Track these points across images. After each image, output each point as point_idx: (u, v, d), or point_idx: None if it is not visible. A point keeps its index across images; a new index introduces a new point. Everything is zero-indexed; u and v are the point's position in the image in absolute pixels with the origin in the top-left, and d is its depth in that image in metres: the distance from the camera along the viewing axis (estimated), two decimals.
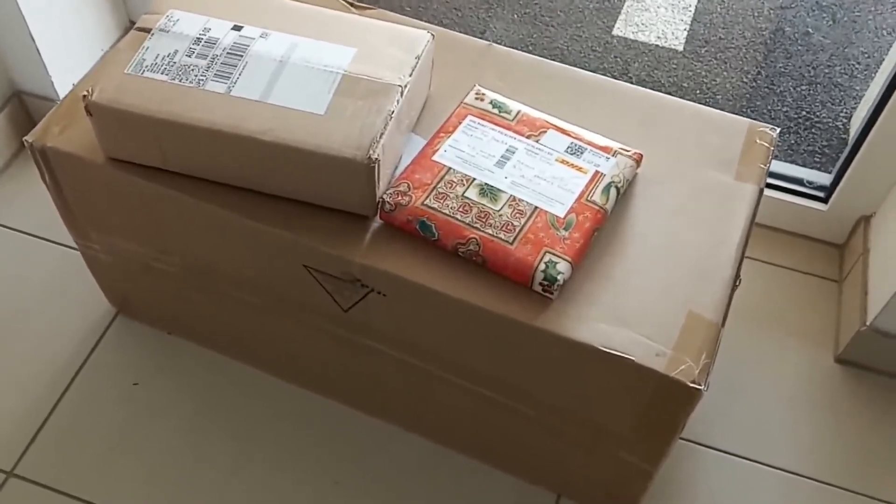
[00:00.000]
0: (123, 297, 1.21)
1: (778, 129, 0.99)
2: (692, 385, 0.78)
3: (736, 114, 1.00)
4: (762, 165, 0.95)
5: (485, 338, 0.88)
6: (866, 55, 1.71)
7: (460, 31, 1.01)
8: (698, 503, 1.10)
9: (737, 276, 0.87)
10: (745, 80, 1.65)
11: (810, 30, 1.75)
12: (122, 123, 0.87)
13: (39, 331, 1.23)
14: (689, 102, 1.02)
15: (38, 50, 1.31)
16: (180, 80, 0.88)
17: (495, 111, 0.95)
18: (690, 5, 1.79)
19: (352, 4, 1.08)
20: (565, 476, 1.04)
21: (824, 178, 1.34)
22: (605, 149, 0.92)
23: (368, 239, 0.88)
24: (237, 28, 0.92)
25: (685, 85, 1.62)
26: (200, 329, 1.18)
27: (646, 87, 1.04)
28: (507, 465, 1.09)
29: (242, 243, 0.94)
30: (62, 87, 1.38)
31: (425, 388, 1.02)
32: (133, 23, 1.52)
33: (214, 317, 1.12)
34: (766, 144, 0.97)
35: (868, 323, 1.16)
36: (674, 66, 1.66)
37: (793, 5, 1.80)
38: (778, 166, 1.37)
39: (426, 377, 0.99)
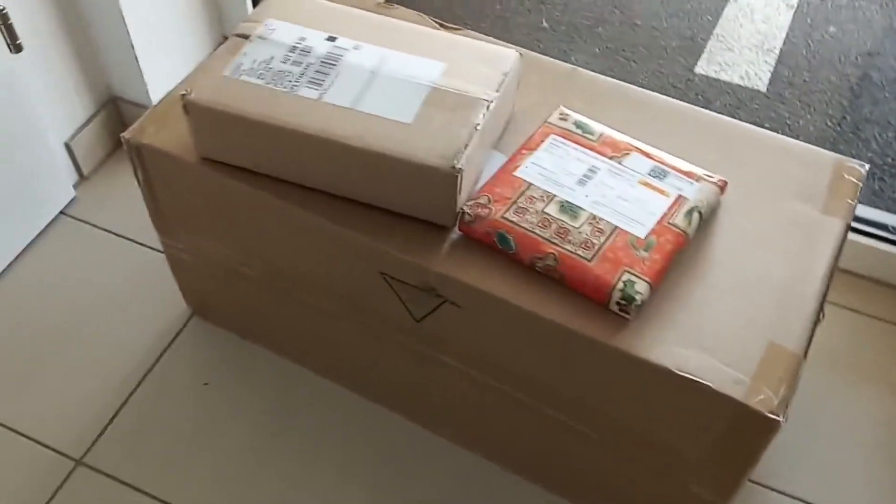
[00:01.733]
0: (201, 299, 1.24)
1: (867, 166, 0.96)
2: (771, 416, 0.76)
3: None
4: (850, 201, 0.93)
5: (557, 354, 0.87)
6: None
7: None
8: None
9: (820, 311, 0.85)
10: (829, 124, 1.62)
11: None
12: (216, 123, 0.90)
13: (117, 327, 1.26)
14: (773, 133, 1.01)
15: (136, 58, 1.37)
16: (275, 85, 0.90)
17: (579, 131, 0.96)
18: (775, 47, 1.77)
19: (441, 25, 1.10)
20: None
21: None
22: (689, 174, 0.91)
23: (446, 249, 0.89)
24: (331, 39, 0.95)
25: (767, 126, 1.60)
26: (273, 335, 1.20)
27: None
28: (566, 490, 1.07)
29: (323, 247, 0.96)
30: (156, 96, 1.44)
31: (489, 404, 1.02)
32: (226, 37, 1.58)
33: (288, 323, 1.14)
34: (855, 180, 0.95)
35: None
36: (756, 106, 1.65)
37: (880, 52, 1.77)
38: (863, 211, 1.34)
39: (491, 392, 0.98)
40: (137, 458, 1.13)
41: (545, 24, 1.81)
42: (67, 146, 1.40)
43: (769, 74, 1.71)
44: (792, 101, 1.66)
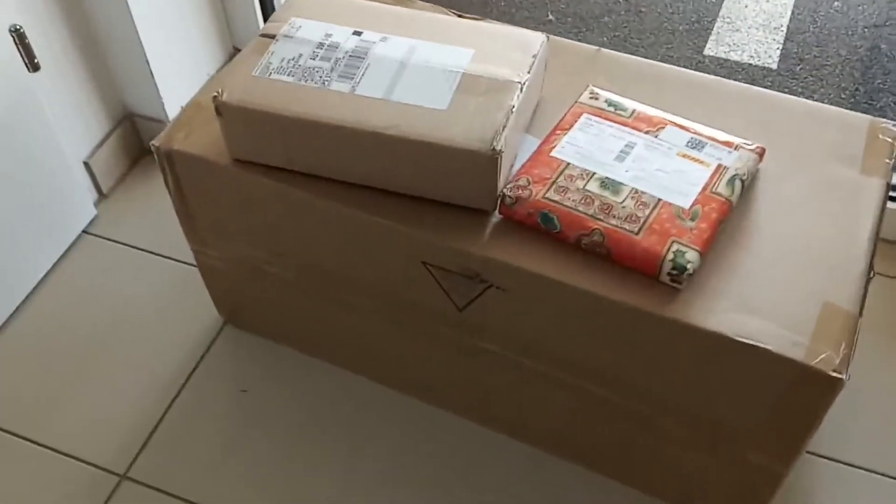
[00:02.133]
0: (234, 307, 1.23)
1: None
2: (834, 374, 0.75)
3: None
4: (888, 160, 0.93)
5: (609, 332, 0.86)
6: None
7: None
8: None
9: (870, 269, 0.85)
10: (843, 96, 1.62)
11: None
12: (250, 123, 0.90)
13: (150, 341, 1.25)
14: (804, 100, 1.01)
15: (152, 73, 1.37)
16: (306, 81, 0.90)
17: (611, 109, 0.95)
18: (782, 25, 1.77)
19: (460, 16, 1.10)
20: (685, 485, 1.01)
21: None
22: (726, 143, 0.91)
23: (489, 233, 0.89)
24: (357, 33, 0.95)
25: None
26: (309, 337, 1.19)
27: None
28: (621, 475, 1.06)
29: (362, 241, 0.95)
30: (172, 110, 1.44)
31: (538, 392, 1.01)
32: (237, 49, 1.58)
33: (324, 324, 1.13)
34: (890, 140, 0.95)
35: None
36: (769, 83, 1.65)
37: (887, 23, 1.77)
38: None
39: (540, 379, 0.98)
40: (181, 468, 1.12)
41: (550, 16, 1.81)
42: (86, 164, 1.40)
43: (779, 52, 1.71)
44: (804, 76, 1.66)
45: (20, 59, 1.17)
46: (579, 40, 1.75)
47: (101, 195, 1.45)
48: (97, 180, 1.43)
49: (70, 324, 1.28)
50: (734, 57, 1.71)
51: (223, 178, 0.98)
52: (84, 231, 1.40)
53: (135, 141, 1.49)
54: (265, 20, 1.56)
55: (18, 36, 1.15)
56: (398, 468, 1.11)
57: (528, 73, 0.91)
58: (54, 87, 1.30)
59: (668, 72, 1.05)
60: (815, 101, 1.60)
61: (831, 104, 1.63)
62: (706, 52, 1.72)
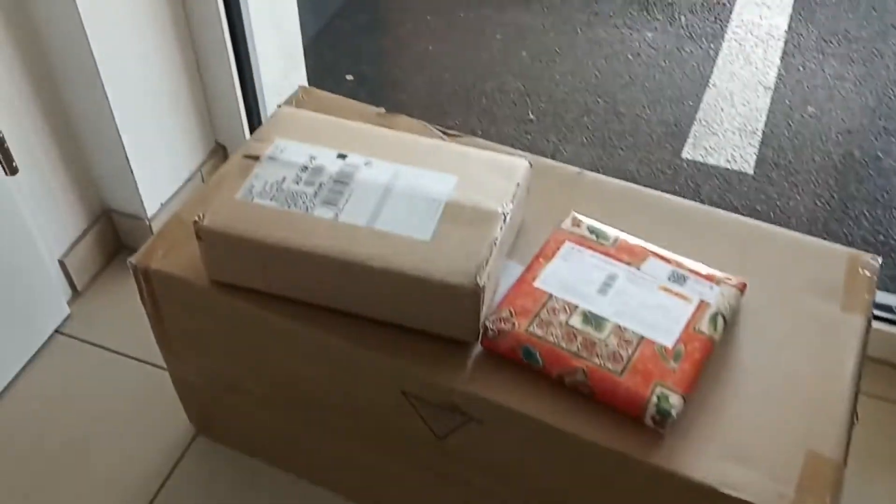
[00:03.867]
0: (206, 418, 1.20)
1: (881, 259, 0.97)
2: None
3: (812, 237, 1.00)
4: (867, 296, 0.94)
5: (590, 472, 0.85)
6: None
7: (531, 154, 1.03)
8: None
9: (854, 412, 0.84)
10: (818, 203, 1.65)
11: (880, 154, 1.75)
12: (230, 248, 0.89)
13: (120, 449, 1.22)
14: (783, 230, 1.02)
15: (132, 170, 1.36)
16: (289, 207, 0.89)
17: (593, 237, 0.95)
18: (758, 129, 1.81)
19: (445, 133, 1.11)
20: None
21: None
22: (708, 277, 0.91)
23: (470, 366, 0.87)
24: (342, 156, 0.95)
25: (759, 208, 1.63)
26: (284, 454, 1.16)
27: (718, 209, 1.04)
28: None
29: (341, 368, 0.93)
30: (150, 207, 1.43)
31: None
32: (219, 144, 1.58)
33: (300, 441, 1.11)
34: (870, 274, 0.96)
35: None
36: (745, 189, 1.67)
37: (859, 130, 1.81)
38: None
39: None
40: None
41: (531, 115, 1.84)
42: (61, 262, 1.38)
43: (754, 157, 1.74)
44: (779, 182, 1.69)
45: None
46: (560, 140, 1.78)
47: (76, 292, 1.42)
48: (72, 277, 1.41)
49: (38, 430, 1.24)
50: (711, 161, 1.73)
51: (200, 298, 0.96)
52: (56, 330, 1.37)
53: (112, 237, 1.47)
54: (248, 115, 1.58)
55: None
56: None
57: (512, 202, 0.91)
58: (32, 187, 1.28)
59: (648, 197, 1.05)
60: (791, 207, 1.64)
61: (807, 212, 1.67)
62: (684, 154, 1.75)
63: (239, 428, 1.17)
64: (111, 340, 1.35)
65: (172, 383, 1.16)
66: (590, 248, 0.94)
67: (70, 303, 1.40)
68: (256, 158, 0.95)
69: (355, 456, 1.06)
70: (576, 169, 1.08)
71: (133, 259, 0.97)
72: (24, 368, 1.32)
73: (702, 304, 0.88)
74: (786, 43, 2.04)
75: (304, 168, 0.93)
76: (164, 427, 1.24)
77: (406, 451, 0.99)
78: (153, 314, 1.03)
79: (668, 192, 1.04)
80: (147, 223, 1.43)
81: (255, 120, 1.57)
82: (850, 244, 1.56)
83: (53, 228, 1.35)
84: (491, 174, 0.95)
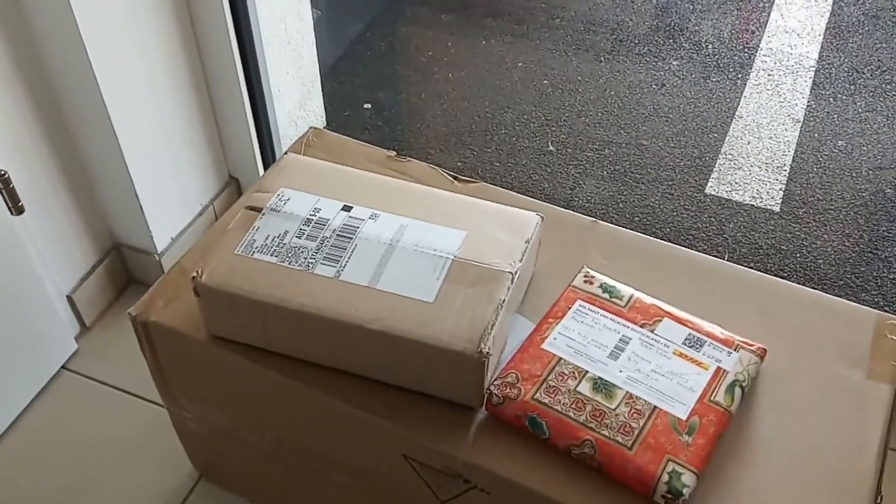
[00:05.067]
0: (208, 463, 1.18)
1: None
2: None
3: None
4: (894, 363, 0.89)
5: None
6: None
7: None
8: None
9: (878, 492, 0.80)
10: (847, 243, 1.59)
11: None
12: (229, 305, 0.86)
13: (123, 490, 1.20)
14: (808, 289, 0.97)
15: (141, 207, 1.35)
16: (290, 263, 0.87)
17: (606, 296, 0.92)
18: (785, 164, 1.76)
19: (455, 178, 1.07)
20: None
21: None
22: (726, 342, 0.87)
23: (473, 433, 0.84)
24: (347, 209, 0.92)
25: (784, 248, 1.57)
26: (285, 502, 1.13)
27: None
28: None
29: (341, 428, 0.90)
30: (160, 241, 1.41)
31: None
32: (232, 177, 1.56)
33: (301, 493, 1.08)
34: None
35: None
36: (771, 227, 1.62)
37: (891, 166, 1.75)
38: None
39: None
40: None
41: (551, 147, 1.80)
42: (69, 298, 1.36)
43: (781, 193, 1.69)
44: (807, 220, 1.64)
45: (3, 203, 1.15)
46: (580, 173, 1.74)
47: (84, 327, 1.41)
48: (80, 313, 1.39)
49: (42, 468, 1.23)
50: (736, 197, 1.68)
51: (200, 352, 0.93)
52: (63, 367, 1.35)
53: (121, 271, 1.45)
54: (261, 149, 1.56)
55: (3, 182, 1.13)
56: None
57: (521, 260, 0.88)
58: (40, 222, 1.27)
59: (665, 249, 1.01)
60: (818, 247, 1.59)
61: (835, 252, 1.61)
62: (707, 190, 1.70)
63: (240, 474, 1.14)
64: (118, 378, 1.34)
65: (174, 427, 1.13)
66: (602, 307, 0.90)
67: (78, 338, 1.39)
68: (259, 210, 0.93)
69: None
70: (590, 219, 1.05)
71: (132, 310, 0.95)
72: (30, 404, 1.30)
73: (718, 372, 0.84)
74: (816, 73, 1.99)
75: (308, 221, 0.91)
76: (169, 467, 1.22)
77: None
78: (153, 363, 1.01)
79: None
80: (157, 258, 1.41)
81: (268, 153, 1.55)
82: (879, 288, 1.51)
83: (62, 263, 1.34)
84: (500, 229, 0.91)
